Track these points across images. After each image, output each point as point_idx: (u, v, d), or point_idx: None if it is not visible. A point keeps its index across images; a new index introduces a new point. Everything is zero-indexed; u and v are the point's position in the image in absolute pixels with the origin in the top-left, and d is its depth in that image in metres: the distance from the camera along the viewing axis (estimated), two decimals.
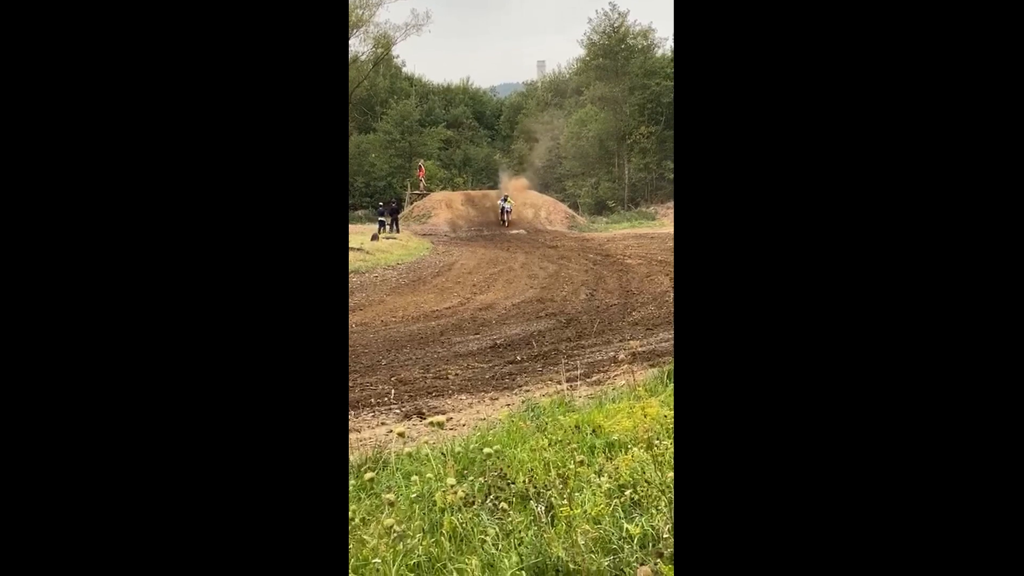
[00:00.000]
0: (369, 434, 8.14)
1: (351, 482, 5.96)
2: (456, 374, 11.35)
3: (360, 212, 43.43)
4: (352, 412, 9.30)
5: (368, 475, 6.07)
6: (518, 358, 12.17)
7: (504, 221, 43.61)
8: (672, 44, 57.86)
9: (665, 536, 4.78)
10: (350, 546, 4.82)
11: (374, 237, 35.09)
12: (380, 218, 40.05)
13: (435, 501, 5.38)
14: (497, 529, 5.05)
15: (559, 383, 9.74)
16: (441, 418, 8.63)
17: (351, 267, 26.31)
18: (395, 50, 53.70)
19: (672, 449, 6.33)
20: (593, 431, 6.81)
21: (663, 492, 5.41)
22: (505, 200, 45.51)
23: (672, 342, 12.72)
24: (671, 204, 49.48)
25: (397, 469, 6.23)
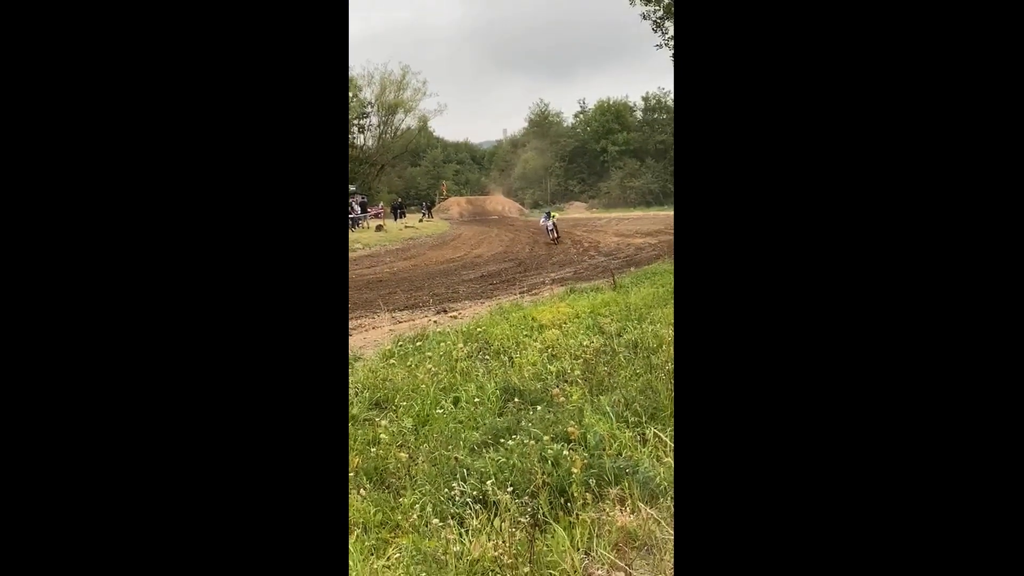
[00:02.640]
0: (418, 322, 8.12)
1: (410, 347, 5.96)
2: (463, 290, 11.34)
3: (412, 207, 43.30)
4: (408, 311, 9.27)
5: (418, 343, 6.07)
6: (494, 282, 12.16)
7: (555, 240, 21.16)
8: (571, 119, 58.09)
9: (569, 372, 4.82)
10: (410, 379, 4.84)
11: (420, 219, 35.70)
12: (423, 210, 40.52)
13: (452, 355, 5.40)
14: (484, 369, 5.07)
15: (514, 295, 9.75)
16: (456, 313, 8.65)
17: (409, 236, 26.11)
18: (429, 124, 53.07)
19: (574, 327, 6.39)
20: (532, 319, 6.84)
21: (568, 350, 5.45)
22: (549, 217, 23.03)
23: (571, 272, 12.81)
24: (572, 203, 49.65)
25: (433, 339, 6.24)
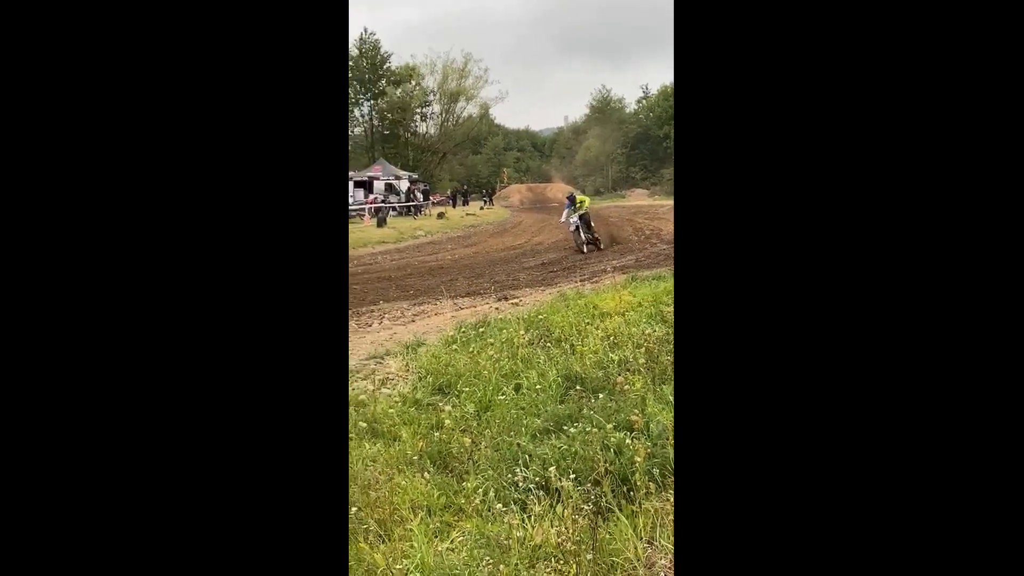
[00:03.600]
0: (479, 308, 8.18)
1: (471, 333, 6.01)
2: (523, 277, 11.36)
3: (474, 195, 43.44)
4: (469, 298, 9.35)
5: (480, 329, 6.11)
6: (554, 270, 12.15)
7: (589, 242, 14.50)
8: (633, 105, 57.29)
9: (631, 361, 4.78)
10: (472, 365, 4.89)
11: (481, 207, 35.77)
12: (484, 198, 40.66)
13: (514, 342, 5.42)
14: (545, 356, 5.08)
15: (576, 283, 9.72)
16: (517, 300, 8.68)
17: (470, 223, 26.27)
18: (491, 111, 53.15)
19: (636, 315, 6.33)
20: (594, 307, 6.80)
21: (630, 338, 5.40)
22: (573, 205, 15.04)
23: (632, 260, 12.67)
24: (634, 190, 49.11)
25: (494, 326, 6.27)
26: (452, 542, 2.63)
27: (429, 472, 3.22)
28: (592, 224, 14.81)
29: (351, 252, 17.50)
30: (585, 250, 14.24)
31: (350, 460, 3.39)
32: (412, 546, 2.54)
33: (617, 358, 4.87)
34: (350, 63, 48.67)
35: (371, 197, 30.61)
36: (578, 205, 14.87)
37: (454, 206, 35.24)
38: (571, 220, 14.88)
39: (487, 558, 2.44)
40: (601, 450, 3.11)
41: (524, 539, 2.52)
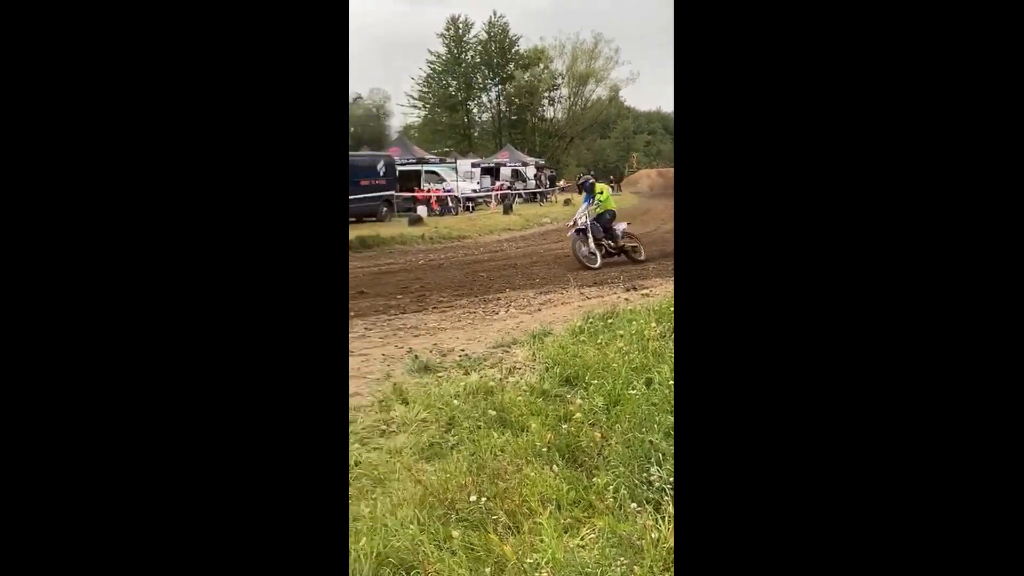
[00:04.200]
0: (607, 298, 8.11)
1: (599, 324, 5.95)
2: (653, 267, 11.16)
3: (602, 182, 43.27)
4: (597, 288, 9.29)
5: (608, 320, 6.05)
6: None
7: (588, 255, 10.70)
8: None
9: None
10: (600, 357, 4.83)
11: None
12: (611, 183, 40.43)
13: (644, 334, 5.31)
14: None
15: None
16: (647, 291, 8.53)
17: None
18: (620, 93, 52.38)
19: None
20: None
21: None
22: (591, 197, 10.90)
23: None
24: None
25: (623, 317, 6.19)
26: (583, 539, 2.61)
27: (558, 465, 3.21)
28: (614, 227, 11.25)
29: (477, 239, 17.82)
30: (597, 264, 10.76)
31: (479, 448, 3.44)
32: (542, 540, 2.54)
33: None
34: (479, 47, 49.40)
35: (497, 184, 31.00)
36: (598, 193, 11.20)
37: (580, 192, 35.08)
38: (578, 222, 10.89)
39: (620, 558, 2.40)
40: None
41: (658, 541, 2.46)
